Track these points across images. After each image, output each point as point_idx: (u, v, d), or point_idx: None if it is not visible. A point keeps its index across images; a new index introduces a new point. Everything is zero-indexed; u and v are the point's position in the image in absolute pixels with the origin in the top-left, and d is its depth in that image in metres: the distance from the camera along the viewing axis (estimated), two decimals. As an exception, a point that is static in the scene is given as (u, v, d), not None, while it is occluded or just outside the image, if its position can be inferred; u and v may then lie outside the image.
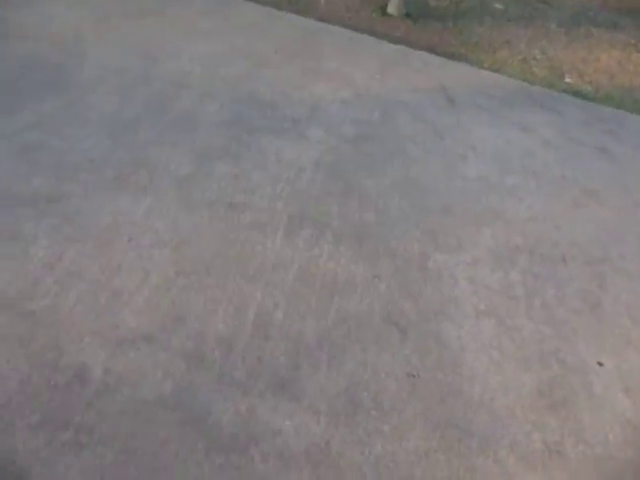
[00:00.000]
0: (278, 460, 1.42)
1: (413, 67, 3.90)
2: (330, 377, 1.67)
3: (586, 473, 1.60)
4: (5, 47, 2.94)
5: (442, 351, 1.85)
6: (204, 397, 1.52)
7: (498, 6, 5.86)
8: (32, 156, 2.24)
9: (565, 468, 1.60)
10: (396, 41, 4.33)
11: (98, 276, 1.79)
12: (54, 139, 2.35)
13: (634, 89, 4.62)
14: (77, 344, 1.57)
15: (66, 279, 1.76)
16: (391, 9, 4.84)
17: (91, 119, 2.54)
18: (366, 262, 2.13)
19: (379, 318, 1.91)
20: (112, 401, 1.44)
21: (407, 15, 4.86)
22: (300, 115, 2.96)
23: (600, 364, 1.97)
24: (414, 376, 1.74)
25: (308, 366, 1.68)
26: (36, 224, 1.93)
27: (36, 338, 1.56)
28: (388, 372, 1.73)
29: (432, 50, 4.39)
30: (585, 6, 6.76)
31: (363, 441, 1.52)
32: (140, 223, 2.04)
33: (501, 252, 2.37)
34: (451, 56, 4.34)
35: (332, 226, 2.26)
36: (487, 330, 1.98)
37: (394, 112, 3.23)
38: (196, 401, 1.50)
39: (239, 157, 2.53)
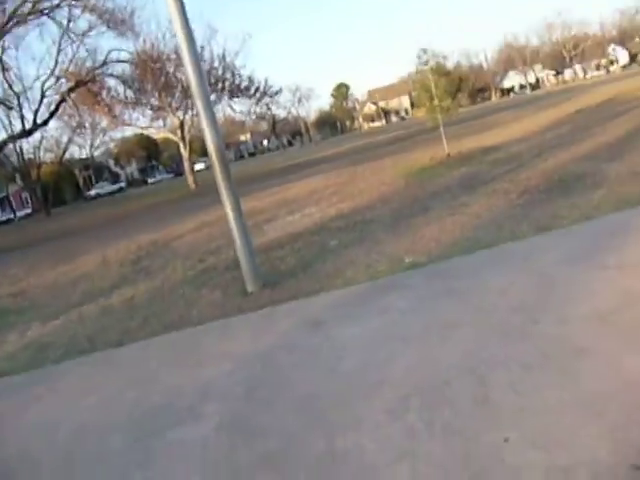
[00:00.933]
0: None
1: (281, 320, 4.48)
2: None
3: None
4: None
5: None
6: None
7: (334, 242, 7.02)
8: None
9: None
10: (263, 306, 5.00)
11: None
12: None
13: (456, 242, 5.56)
14: None
15: None
16: (249, 287, 5.65)
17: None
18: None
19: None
20: None
21: (264, 285, 5.68)
22: (192, 403, 3.27)
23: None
24: None
25: None
26: None
27: None
28: None
29: (297, 297, 5.08)
30: (395, 209, 8.28)
31: None
32: None
33: (394, 406, 2.63)
34: (308, 295, 5.04)
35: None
36: None
37: (273, 357, 3.66)
38: None
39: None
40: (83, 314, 6.41)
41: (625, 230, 4.57)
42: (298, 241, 7.64)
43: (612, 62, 79.31)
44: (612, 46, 79.75)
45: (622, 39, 79.18)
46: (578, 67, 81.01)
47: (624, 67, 76.00)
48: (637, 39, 78.08)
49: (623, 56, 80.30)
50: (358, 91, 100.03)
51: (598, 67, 79.77)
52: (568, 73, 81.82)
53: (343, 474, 2.24)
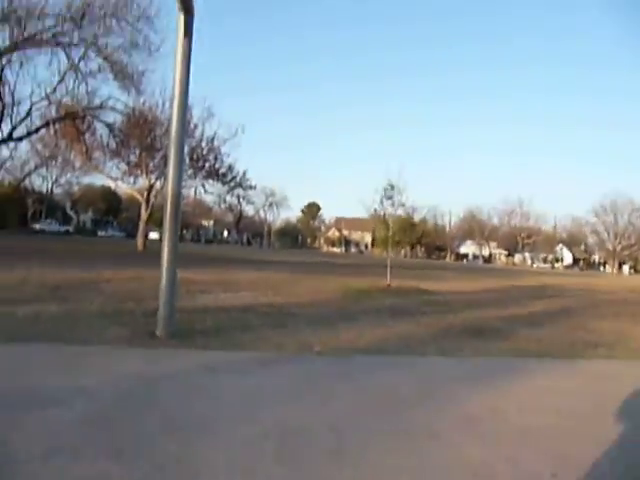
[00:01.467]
0: None
1: (174, 360, 4.54)
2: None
3: None
4: None
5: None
6: None
7: (256, 321, 7.16)
8: None
9: None
10: (164, 347, 5.04)
11: None
12: None
13: (367, 347, 5.84)
14: None
15: None
16: (159, 332, 5.66)
17: None
18: None
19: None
20: None
21: (174, 335, 5.70)
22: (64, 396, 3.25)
23: None
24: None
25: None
26: None
27: None
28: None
29: (201, 349, 5.13)
30: (323, 313, 8.57)
31: None
32: None
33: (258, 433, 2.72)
34: (211, 349, 5.12)
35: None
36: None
37: (154, 381, 3.70)
38: None
39: None
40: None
41: (512, 370, 5.00)
42: (223, 312, 7.74)
43: (557, 260, 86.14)
44: (560, 245, 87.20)
45: (569, 243, 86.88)
46: (528, 255, 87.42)
47: (567, 267, 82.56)
48: (582, 246, 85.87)
49: (568, 257, 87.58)
50: (327, 213, 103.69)
51: (545, 260, 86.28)
52: (518, 257, 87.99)
53: None
